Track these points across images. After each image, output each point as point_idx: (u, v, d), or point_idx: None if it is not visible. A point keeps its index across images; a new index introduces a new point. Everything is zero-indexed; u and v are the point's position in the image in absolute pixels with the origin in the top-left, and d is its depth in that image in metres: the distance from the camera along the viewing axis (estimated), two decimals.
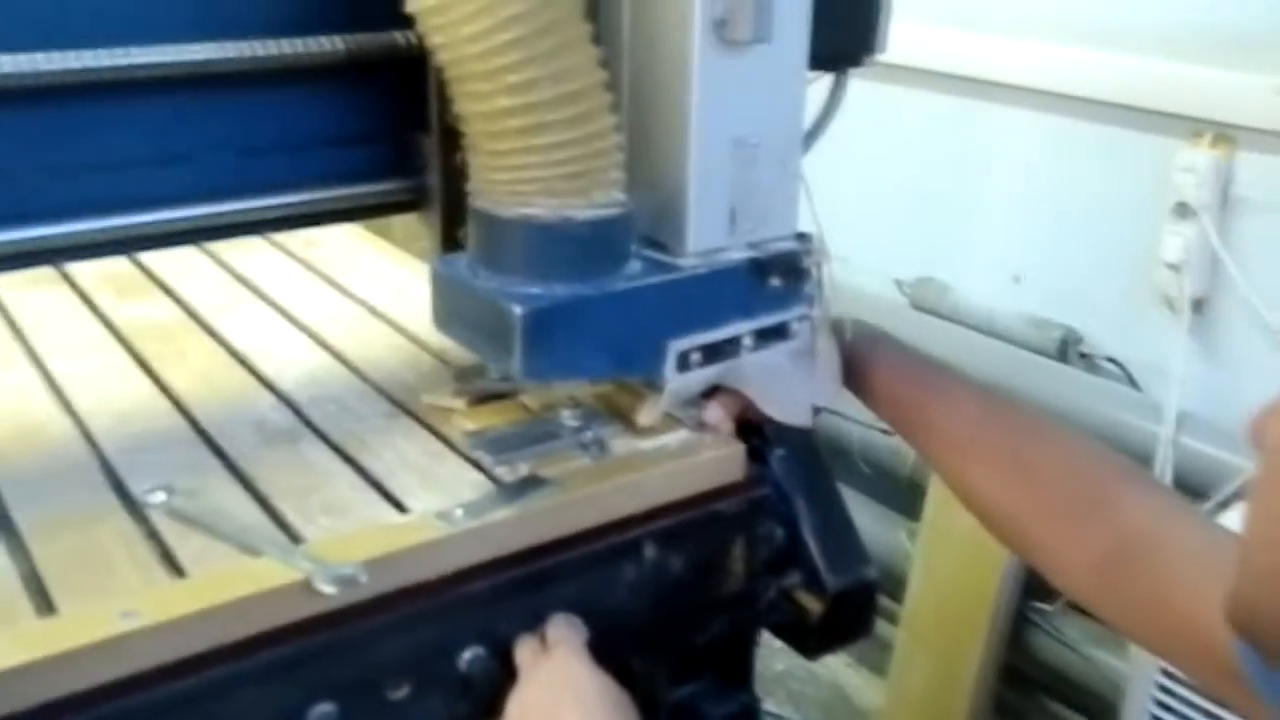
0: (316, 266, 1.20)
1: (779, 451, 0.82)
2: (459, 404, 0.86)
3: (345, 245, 1.27)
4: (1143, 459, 1.50)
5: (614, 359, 0.71)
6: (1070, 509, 0.66)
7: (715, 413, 0.80)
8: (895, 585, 1.82)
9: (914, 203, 1.93)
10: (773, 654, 0.81)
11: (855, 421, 1.80)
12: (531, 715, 0.67)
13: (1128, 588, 0.63)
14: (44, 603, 0.62)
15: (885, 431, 1.49)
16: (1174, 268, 1.52)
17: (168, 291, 1.12)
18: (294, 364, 0.94)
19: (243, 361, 0.95)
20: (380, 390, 0.90)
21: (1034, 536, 0.69)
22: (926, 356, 0.81)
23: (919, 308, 1.92)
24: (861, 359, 0.79)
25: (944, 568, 1.71)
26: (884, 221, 1.97)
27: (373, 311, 1.08)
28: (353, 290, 1.13)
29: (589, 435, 0.80)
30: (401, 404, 0.87)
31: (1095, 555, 0.65)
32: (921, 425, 0.76)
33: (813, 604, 0.82)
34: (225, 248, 1.22)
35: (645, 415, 0.79)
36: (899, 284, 1.97)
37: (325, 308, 1.08)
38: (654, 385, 0.76)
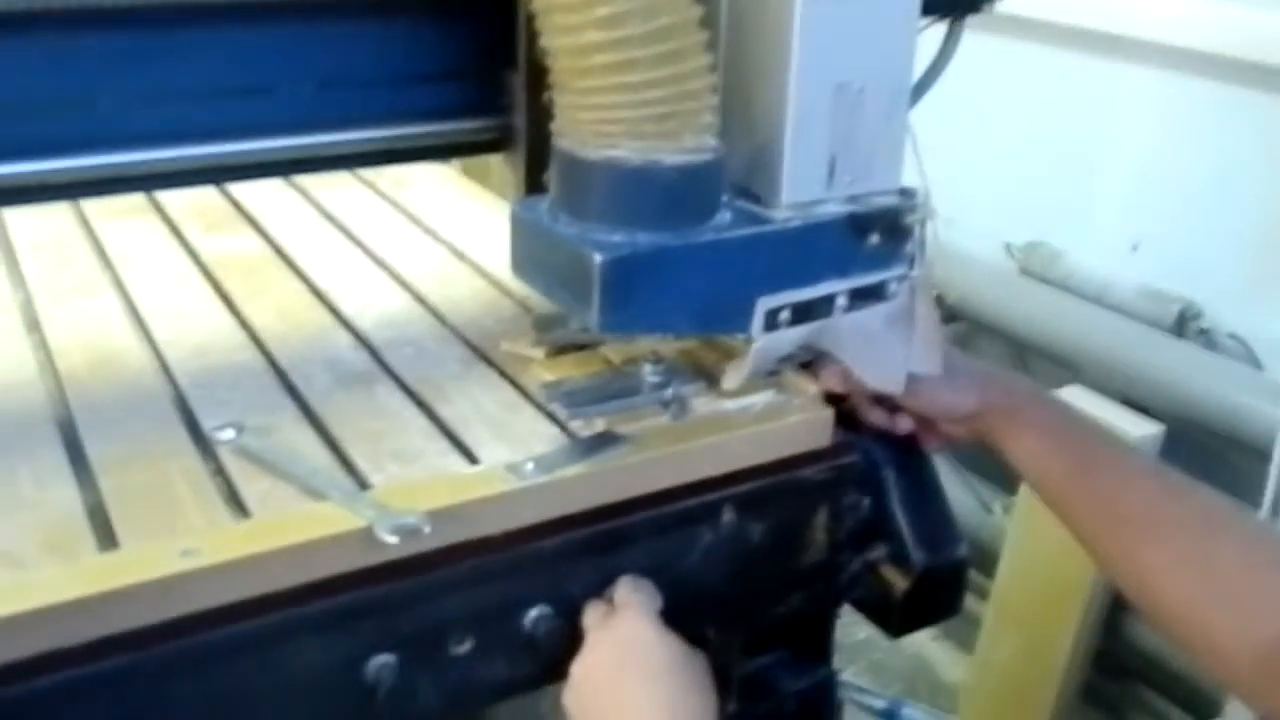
0: (405, 207, 1.19)
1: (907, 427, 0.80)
2: (538, 353, 0.84)
3: (436, 187, 1.26)
4: (1262, 446, 1.43)
5: (698, 314, 0.68)
6: (1248, 602, 0.63)
7: (833, 378, 0.77)
8: (985, 559, 1.78)
9: (1028, 163, 1.87)
10: (855, 621, 0.82)
11: None
12: (595, 679, 0.65)
13: None
14: (107, 536, 0.61)
15: None
16: None
17: (255, 226, 1.12)
18: (374, 305, 0.94)
19: (323, 300, 0.95)
20: (459, 335, 0.89)
21: (1204, 625, 0.65)
22: (1085, 417, 0.76)
23: (1028, 274, 1.87)
24: (1012, 413, 0.75)
25: (1038, 545, 1.67)
26: (995, 182, 1.91)
27: (458, 255, 1.07)
28: (440, 232, 1.12)
29: (670, 393, 0.77)
30: (480, 350, 0.86)
31: (1266, 648, 0.61)
32: (1083, 498, 0.72)
33: (899, 580, 0.79)
34: (315, 185, 1.21)
35: (730, 378, 0.77)
36: (1008, 248, 1.92)
37: (410, 249, 1.07)
38: (741, 343, 0.74)
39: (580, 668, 0.66)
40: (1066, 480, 0.72)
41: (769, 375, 0.79)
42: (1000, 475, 1.80)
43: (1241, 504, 0.72)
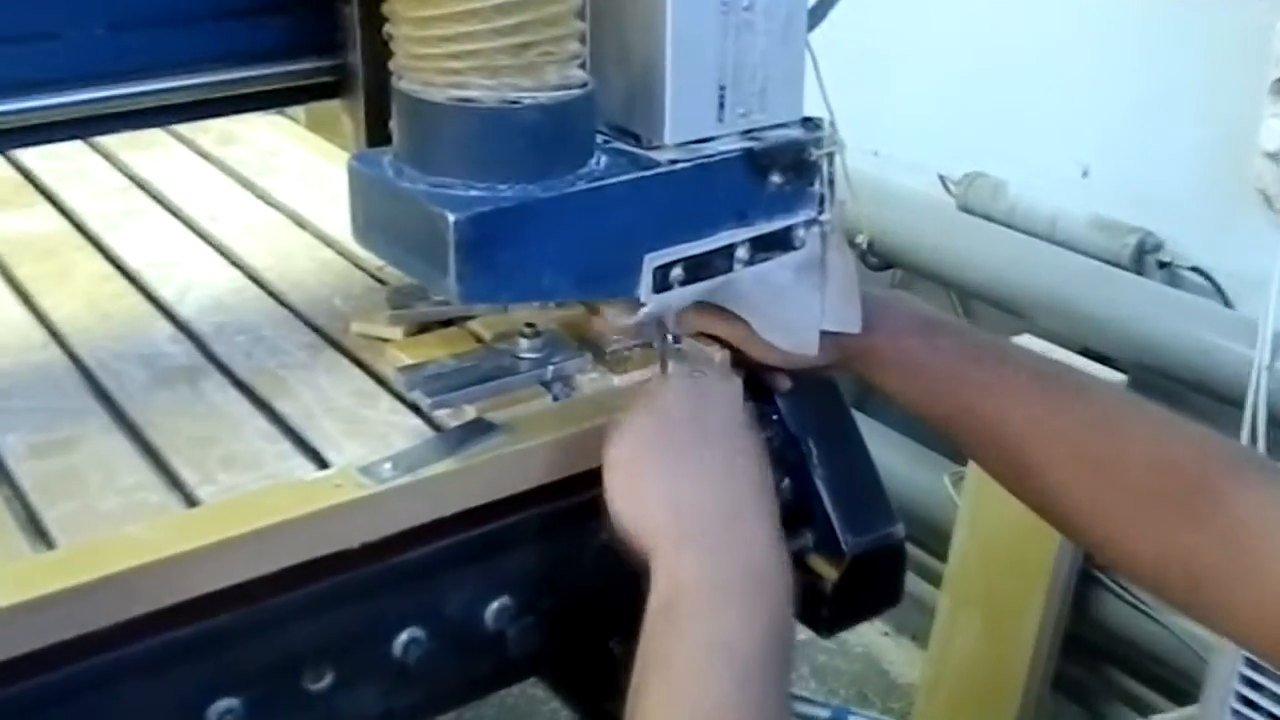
0: (233, 168, 1.18)
1: (785, 385, 0.81)
2: (395, 333, 0.84)
3: (271, 143, 1.24)
4: (1234, 392, 1.47)
5: (576, 276, 0.68)
6: (1159, 504, 0.67)
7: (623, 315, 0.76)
8: (937, 539, 1.81)
9: (962, 85, 1.89)
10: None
11: None
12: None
13: (1230, 591, 0.63)
14: None
15: None
16: (1274, 158, 1.47)
17: (51, 199, 1.10)
18: (198, 286, 0.93)
19: (136, 283, 0.93)
20: (301, 317, 0.88)
21: (1118, 537, 0.69)
22: (945, 320, 0.80)
23: (968, 209, 1.90)
24: (868, 353, 0.78)
25: (994, 518, 1.70)
26: (926, 109, 1.93)
27: (299, 222, 1.06)
28: (276, 196, 1.11)
29: (550, 370, 0.78)
30: (327, 334, 0.86)
31: (1189, 555, 0.65)
32: (967, 431, 0.75)
33: (827, 570, 0.81)
34: (122, 146, 1.19)
35: (616, 313, 0.77)
36: (944, 181, 1.94)
37: (241, 217, 1.06)
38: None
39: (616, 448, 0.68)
40: (947, 421, 0.75)
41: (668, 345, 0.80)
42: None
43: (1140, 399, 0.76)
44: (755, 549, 0.63)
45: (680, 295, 0.73)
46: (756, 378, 0.81)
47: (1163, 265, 1.69)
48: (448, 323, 0.85)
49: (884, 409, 1.86)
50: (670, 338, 0.79)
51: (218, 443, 0.72)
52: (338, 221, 1.03)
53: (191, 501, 0.67)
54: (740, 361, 0.81)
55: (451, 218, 0.62)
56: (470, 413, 0.75)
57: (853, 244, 1.43)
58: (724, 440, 0.68)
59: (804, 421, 0.82)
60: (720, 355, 0.81)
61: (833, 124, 0.75)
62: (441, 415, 0.75)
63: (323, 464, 0.71)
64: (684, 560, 0.62)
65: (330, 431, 0.74)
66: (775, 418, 0.81)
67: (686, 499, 0.65)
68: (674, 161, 0.70)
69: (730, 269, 0.74)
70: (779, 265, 0.77)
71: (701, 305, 0.77)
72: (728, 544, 0.63)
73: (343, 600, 0.66)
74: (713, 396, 0.72)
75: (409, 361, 0.80)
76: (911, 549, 0.85)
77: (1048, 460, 0.71)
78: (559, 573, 0.73)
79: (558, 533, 0.73)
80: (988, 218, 1.86)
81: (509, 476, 0.72)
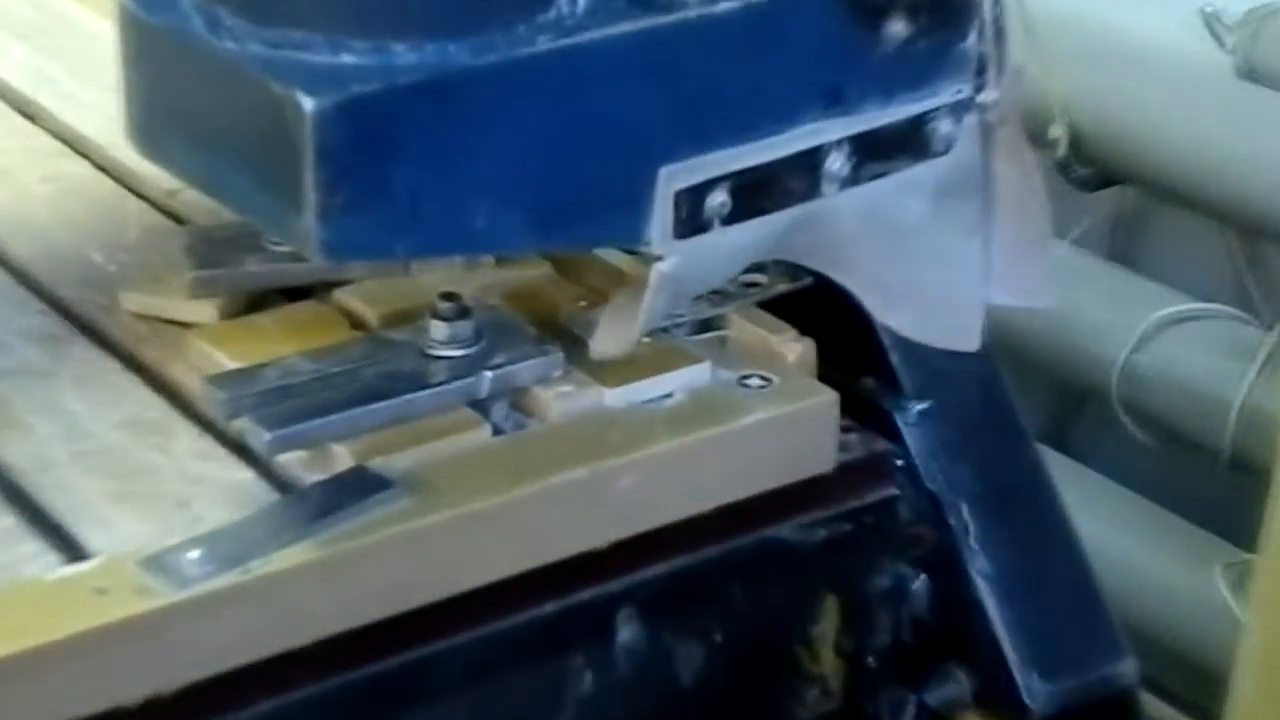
0: None
1: (918, 408, 0.83)
2: (201, 311, 0.85)
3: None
4: None
5: (533, 211, 0.70)
6: None
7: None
8: (1201, 676, 1.79)
9: None
10: None
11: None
12: None
13: None
14: None
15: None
16: None
17: None
18: None
19: None
20: (31, 284, 0.89)
21: None
22: None
23: (1254, 74, 1.85)
24: None
25: None
26: None
27: (28, 114, 1.07)
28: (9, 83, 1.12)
29: (488, 379, 0.79)
30: (76, 313, 0.87)
31: None
32: None
33: None
34: None
35: (604, 338, 0.79)
36: (1212, 24, 1.91)
37: None
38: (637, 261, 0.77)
39: None
40: None
41: (699, 331, 0.83)
42: (1223, 512, 1.82)
43: None
44: None
45: (724, 243, 0.74)
46: (863, 392, 0.83)
47: None
48: (297, 293, 0.86)
49: (1104, 446, 1.85)
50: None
51: None
52: (107, 122, 1.01)
53: None
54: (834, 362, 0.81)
55: (309, 104, 0.63)
56: (343, 458, 0.75)
57: (1042, 144, 1.46)
58: None
59: (955, 474, 0.84)
60: (799, 350, 0.83)
61: None
62: (289, 461, 0.75)
63: (76, 552, 0.71)
64: None
65: (87, 492, 0.74)
66: (900, 464, 0.83)
67: None
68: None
69: (815, 193, 0.75)
70: (903, 187, 0.78)
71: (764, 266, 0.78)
72: None
73: None
74: None
75: (229, 365, 0.81)
76: (1154, 701, 0.88)
77: None
78: None
79: (505, 672, 0.75)
80: None
81: (414, 575, 0.72)
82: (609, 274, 0.86)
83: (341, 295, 0.87)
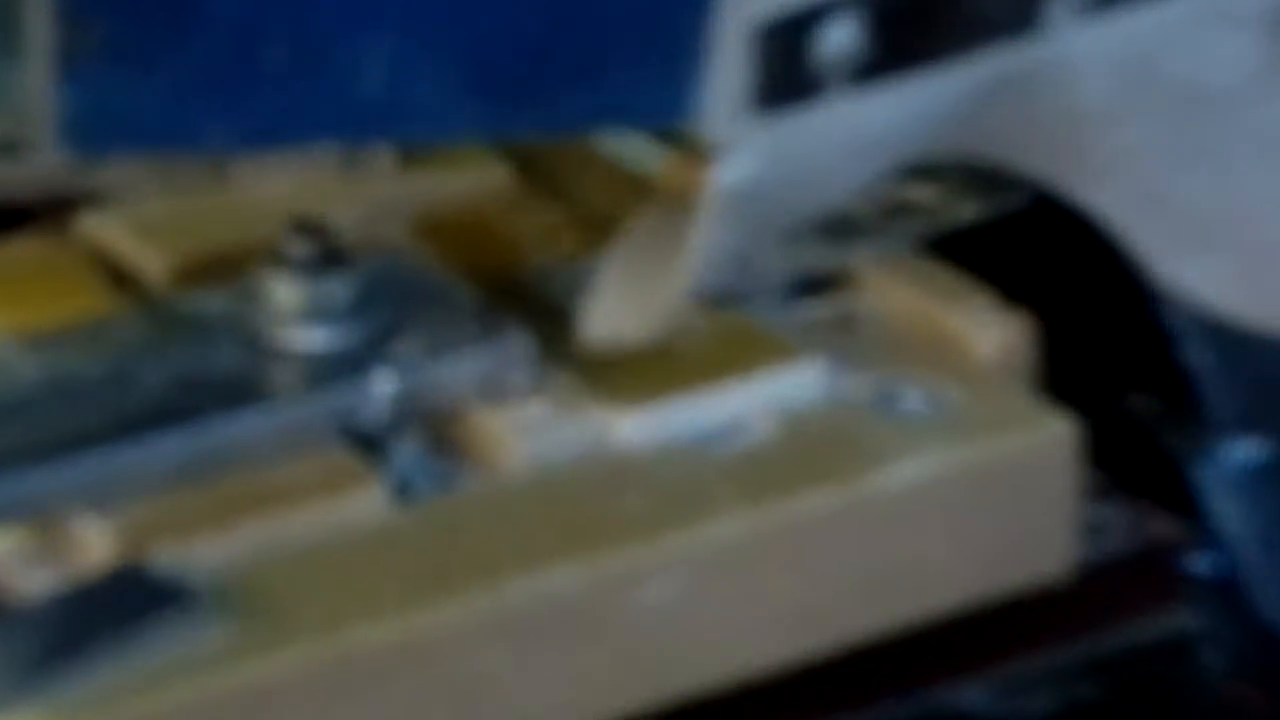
0: None
1: (1242, 455, 0.65)
2: None
3: None
4: None
5: (483, 50, 0.52)
6: None
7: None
8: None
9: None
10: None
11: None
12: None
13: None
14: None
15: None
16: None
17: None
18: None
19: None
20: None
21: None
22: None
23: None
24: None
25: None
26: None
27: None
28: None
29: (387, 388, 0.57)
30: None
31: None
32: None
33: None
34: None
35: (610, 310, 0.59)
36: None
37: None
38: (674, 161, 0.57)
39: None
40: None
41: (802, 301, 0.65)
42: None
43: None
44: None
45: (849, 123, 0.56)
46: (1132, 420, 0.69)
47: None
48: (7, 220, 0.67)
49: None
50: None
51: None
52: None
53: None
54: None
55: None
56: (99, 544, 0.53)
57: None
58: None
59: None
60: (1001, 336, 0.63)
61: None
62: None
63: None
64: None
65: None
66: (1207, 565, 0.66)
67: None
68: None
69: (1031, 26, 0.59)
70: (1206, 20, 0.62)
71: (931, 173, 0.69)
72: None
73: None
74: None
75: None
76: None
77: None
78: None
79: None
80: None
81: None
82: (620, 184, 0.63)
83: (93, 225, 0.65)
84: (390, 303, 0.58)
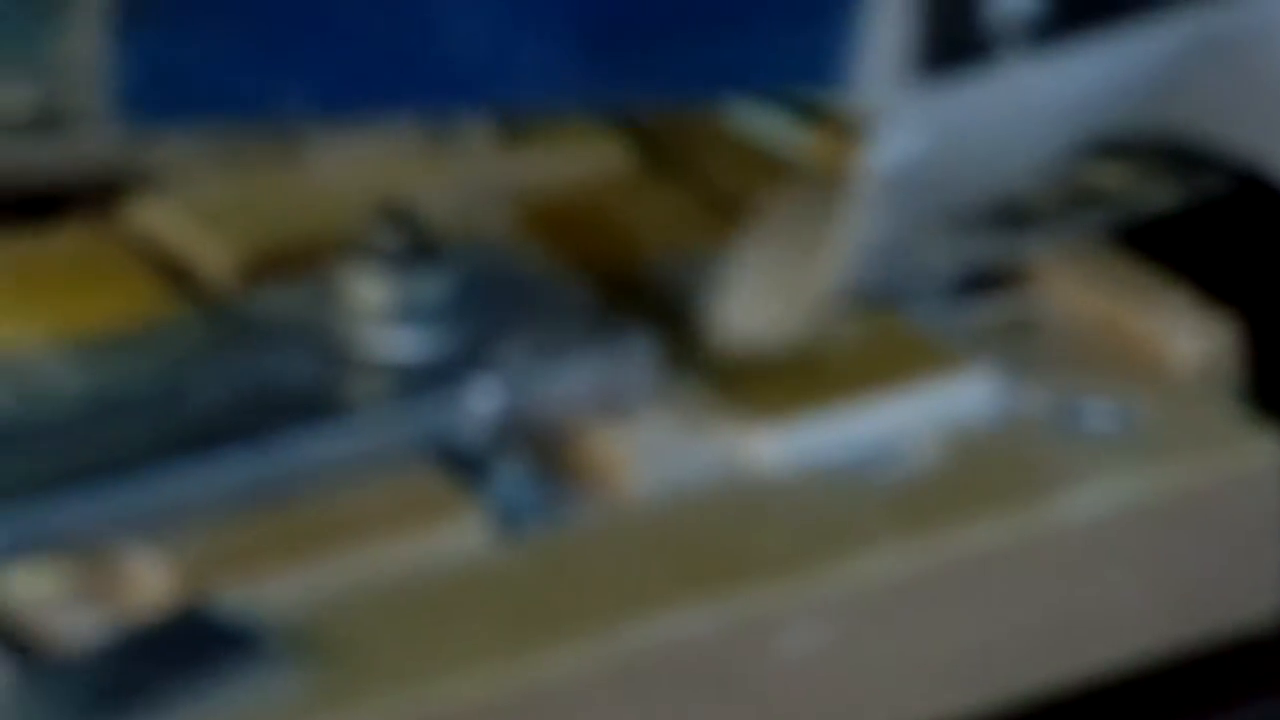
0: None
1: None
2: None
3: None
4: None
5: (603, 14, 0.50)
6: None
7: None
8: None
9: None
10: None
11: None
12: None
13: None
14: None
15: None
16: None
17: None
18: None
19: None
20: None
21: None
22: None
23: None
24: None
25: None
26: None
27: None
28: None
29: (488, 403, 0.57)
30: None
31: None
32: None
33: None
34: None
35: (745, 309, 0.59)
36: None
37: None
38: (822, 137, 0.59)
39: None
40: None
41: (970, 300, 0.63)
42: None
43: None
44: None
45: (1028, 90, 0.55)
46: None
47: None
48: (45, 207, 0.64)
49: None
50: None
51: None
52: None
53: None
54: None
55: None
56: (156, 582, 0.51)
57: None
58: None
59: None
60: (1205, 345, 0.62)
61: None
62: (32, 593, 0.53)
63: None
64: None
65: None
66: None
67: None
68: None
69: None
70: None
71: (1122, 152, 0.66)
72: None
73: None
74: None
75: None
76: None
77: None
78: None
79: None
80: None
81: None
82: (755, 165, 0.60)
83: (143, 213, 0.61)
84: (490, 302, 0.56)
